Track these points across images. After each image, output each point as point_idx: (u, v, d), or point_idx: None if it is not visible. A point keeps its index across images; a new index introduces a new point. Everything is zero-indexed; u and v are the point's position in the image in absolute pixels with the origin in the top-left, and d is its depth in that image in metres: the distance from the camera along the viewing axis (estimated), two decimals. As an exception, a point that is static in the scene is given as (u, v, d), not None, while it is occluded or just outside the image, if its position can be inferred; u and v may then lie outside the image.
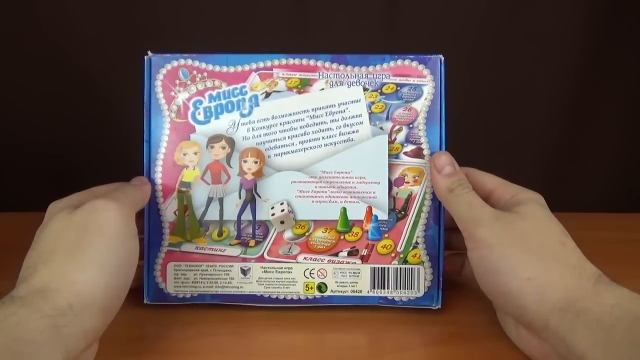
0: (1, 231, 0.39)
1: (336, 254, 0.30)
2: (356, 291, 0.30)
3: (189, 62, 0.30)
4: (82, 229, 0.24)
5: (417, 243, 0.30)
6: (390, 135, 0.30)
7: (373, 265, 0.30)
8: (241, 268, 0.30)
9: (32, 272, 0.23)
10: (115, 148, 0.42)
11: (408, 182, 0.30)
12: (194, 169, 0.30)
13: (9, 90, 0.44)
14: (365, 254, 0.30)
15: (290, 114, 0.30)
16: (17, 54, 0.43)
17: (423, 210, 0.30)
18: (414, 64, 0.30)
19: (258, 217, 0.30)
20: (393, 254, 0.30)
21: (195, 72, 0.30)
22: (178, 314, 0.30)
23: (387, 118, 0.30)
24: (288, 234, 0.30)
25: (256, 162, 0.30)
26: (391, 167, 0.30)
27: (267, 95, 0.30)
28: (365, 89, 0.30)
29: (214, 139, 0.30)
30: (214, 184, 0.30)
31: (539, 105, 0.46)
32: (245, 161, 0.30)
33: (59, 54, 0.43)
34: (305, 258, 0.30)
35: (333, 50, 0.31)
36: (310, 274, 0.30)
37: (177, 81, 0.30)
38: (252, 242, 0.30)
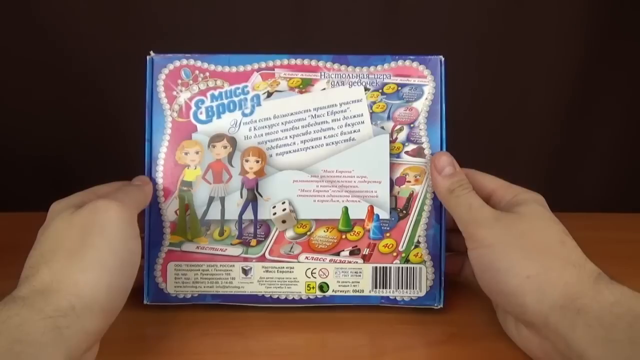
0: (1, 231, 0.39)
1: (338, 254, 0.30)
2: (358, 291, 0.30)
3: (191, 62, 0.30)
4: (83, 229, 0.24)
5: (418, 242, 0.30)
6: (391, 135, 0.30)
7: (375, 265, 0.30)
8: (242, 268, 0.30)
9: (34, 272, 0.23)
10: (116, 147, 0.42)
11: (409, 181, 0.30)
12: (195, 168, 0.30)
13: (9, 90, 0.44)
14: (366, 253, 0.30)
15: (292, 114, 0.30)
16: (18, 54, 0.43)
17: (424, 209, 0.30)
18: (415, 64, 0.30)
19: (259, 217, 0.30)
20: (395, 254, 0.30)
21: (197, 72, 0.30)
22: (178, 314, 0.29)
23: (388, 117, 0.30)
24: (289, 234, 0.30)
25: (258, 162, 0.30)
26: (392, 167, 0.30)
27: (269, 94, 0.30)
28: (366, 89, 0.30)
29: (215, 138, 0.30)
30: (216, 183, 0.30)
31: (540, 106, 0.46)
32: (246, 160, 0.30)
33: (59, 54, 0.43)
34: (306, 257, 0.30)
35: (334, 50, 0.31)
36: (311, 273, 0.30)
37: (179, 81, 0.30)
38: (253, 242, 0.30)
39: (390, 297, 0.30)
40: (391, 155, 0.30)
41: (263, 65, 0.30)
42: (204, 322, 0.29)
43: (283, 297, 0.30)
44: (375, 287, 0.30)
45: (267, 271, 0.30)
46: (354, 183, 0.30)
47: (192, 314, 0.30)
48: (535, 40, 0.44)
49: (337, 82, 0.30)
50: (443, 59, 0.30)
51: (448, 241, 0.30)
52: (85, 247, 0.24)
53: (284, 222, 0.30)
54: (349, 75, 0.30)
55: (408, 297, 0.30)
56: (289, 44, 0.36)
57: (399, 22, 0.43)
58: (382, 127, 0.30)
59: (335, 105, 0.30)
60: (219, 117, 0.30)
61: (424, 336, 0.28)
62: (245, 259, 0.30)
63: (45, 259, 0.24)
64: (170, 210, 0.30)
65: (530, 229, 0.26)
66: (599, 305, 0.22)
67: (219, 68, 0.30)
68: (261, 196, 0.30)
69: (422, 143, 0.30)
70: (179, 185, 0.30)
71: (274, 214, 0.30)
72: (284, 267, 0.30)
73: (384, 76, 0.30)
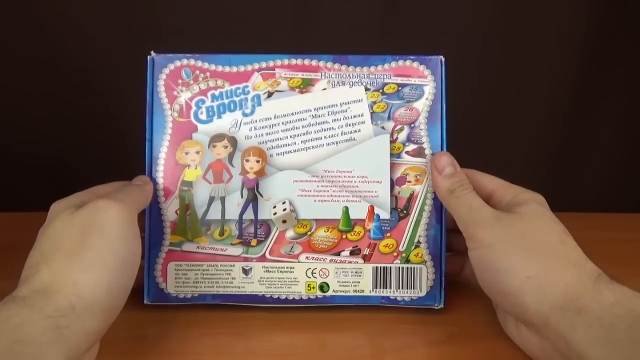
0: (1, 231, 0.39)
1: (338, 254, 0.30)
2: (358, 291, 0.30)
3: (192, 62, 0.30)
4: (84, 229, 0.24)
5: (419, 242, 0.30)
6: (391, 135, 0.30)
7: (375, 265, 0.30)
8: (243, 268, 0.30)
9: (34, 272, 0.23)
10: (116, 147, 0.42)
11: (410, 181, 0.30)
12: (195, 168, 0.30)
13: (10, 91, 0.44)
14: (367, 253, 0.30)
15: (292, 114, 0.30)
16: (18, 54, 0.43)
17: (425, 209, 0.30)
18: (415, 64, 0.30)
19: (260, 216, 0.30)
20: (395, 254, 0.30)
21: (198, 71, 0.30)
22: (179, 314, 0.29)
23: (389, 117, 0.30)
24: (290, 233, 0.30)
25: (258, 161, 0.30)
26: (393, 166, 0.30)
27: (270, 94, 0.30)
28: (367, 89, 0.30)
29: (216, 138, 0.30)
30: (216, 183, 0.30)
31: (540, 106, 0.46)
32: (247, 160, 0.30)
33: (60, 53, 0.43)
34: (307, 257, 0.30)
35: (334, 50, 0.31)
36: (312, 273, 0.30)
37: (180, 81, 0.30)
38: (253, 242, 0.30)
39: (391, 297, 0.30)
40: (392, 155, 0.30)
41: (264, 65, 0.30)
42: (204, 322, 0.29)
43: (283, 297, 0.30)
44: (376, 287, 0.30)
45: (267, 271, 0.30)
46: (355, 183, 0.30)
47: (192, 314, 0.30)
48: (536, 39, 0.44)
49: (338, 82, 0.30)
50: (443, 59, 0.30)
51: (448, 241, 0.30)
52: (85, 247, 0.24)
53: (284, 222, 0.30)
54: (349, 75, 0.30)
55: (408, 297, 0.30)
56: (289, 44, 0.36)
57: (399, 22, 0.43)
58: (383, 127, 0.30)
59: (336, 105, 0.30)
60: (219, 117, 0.30)
61: (424, 336, 0.28)
62: (246, 259, 0.30)
63: (46, 259, 0.24)
64: (170, 210, 0.30)
65: (530, 229, 0.26)
66: (599, 306, 0.22)
67: (220, 68, 0.30)
68: (261, 196, 0.30)
69: (423, 143, 0.30)
70: (180, 185, 0.30)
71: (275, 213, 0.30)
72: (284, 267, 0.30)
73: (385, 76, 0.30)
